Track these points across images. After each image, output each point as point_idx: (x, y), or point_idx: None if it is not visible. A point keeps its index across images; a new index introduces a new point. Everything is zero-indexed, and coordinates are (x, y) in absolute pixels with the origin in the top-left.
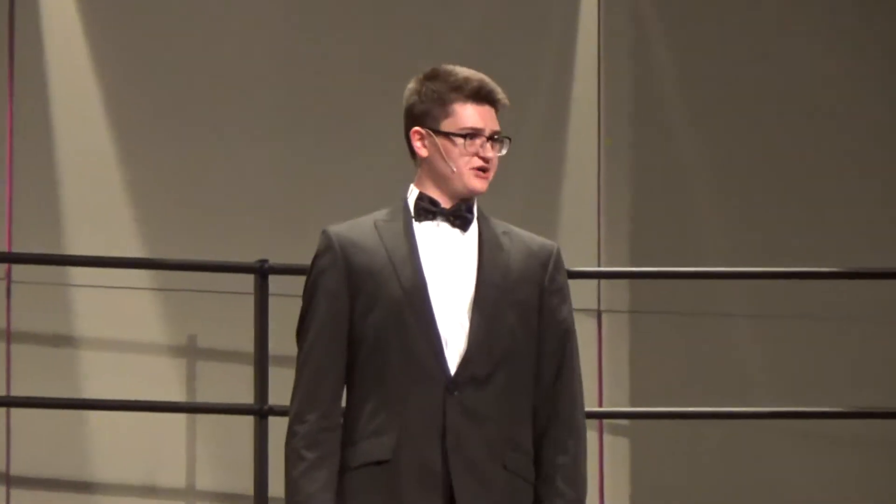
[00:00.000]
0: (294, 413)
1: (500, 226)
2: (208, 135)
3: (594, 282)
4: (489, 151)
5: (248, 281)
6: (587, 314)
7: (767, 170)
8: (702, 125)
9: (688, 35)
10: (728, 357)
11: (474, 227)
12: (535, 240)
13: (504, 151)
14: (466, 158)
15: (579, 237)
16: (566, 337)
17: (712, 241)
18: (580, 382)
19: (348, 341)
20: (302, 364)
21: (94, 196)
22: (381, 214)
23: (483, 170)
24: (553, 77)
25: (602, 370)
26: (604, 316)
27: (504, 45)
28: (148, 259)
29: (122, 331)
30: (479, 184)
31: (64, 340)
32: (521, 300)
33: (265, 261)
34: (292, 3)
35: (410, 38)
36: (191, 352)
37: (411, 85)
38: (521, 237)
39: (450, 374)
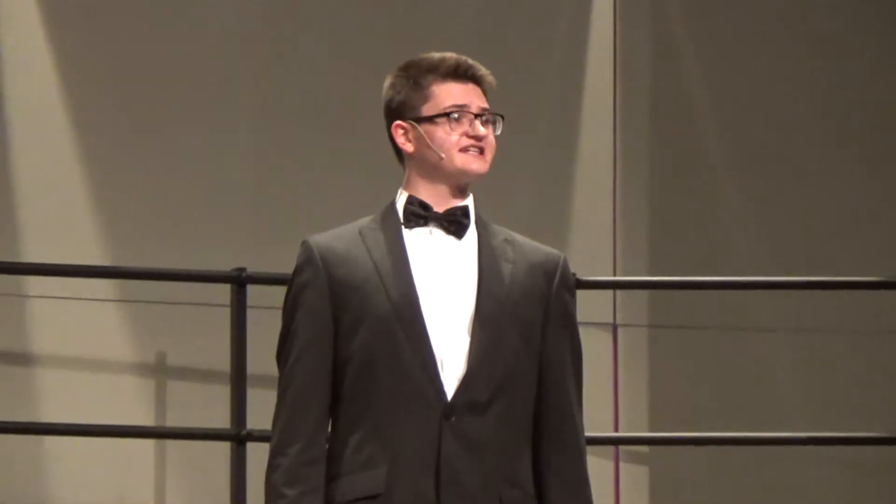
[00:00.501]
0: (274, 445)
1: (501, 233)
2: (178, 133)
3: (609, 293)
4: (479, 129)
5: (224, 291)
6: (602, 328)
7: (798, 171)
8: (726, 122)
9: (712, 33)
10: (757, 376)
11: (472, 233)
12: (541, 249)
13: (498, 131)
14: (454, 138)
15: (593, 244)
16: (572, 360)
17: (738, 248)
18: (581, 407)
19: (333, 363)
20: (283, 391)
21: (54, 199)
22: (366, 222)
23: (476, 149)
24: (565, 74)
25: (618, 391)
26: (620, 330)
27: (512, 43)
28: (113, 267)
29: (84, 347)
30: (474, 163)
31: (20, 357)
32: (524, 317)
33: (242, 269)
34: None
35: (403, 39)
36: (161, 370)
37: (386, 81)
38: (525, 246)
39: (446, 399)
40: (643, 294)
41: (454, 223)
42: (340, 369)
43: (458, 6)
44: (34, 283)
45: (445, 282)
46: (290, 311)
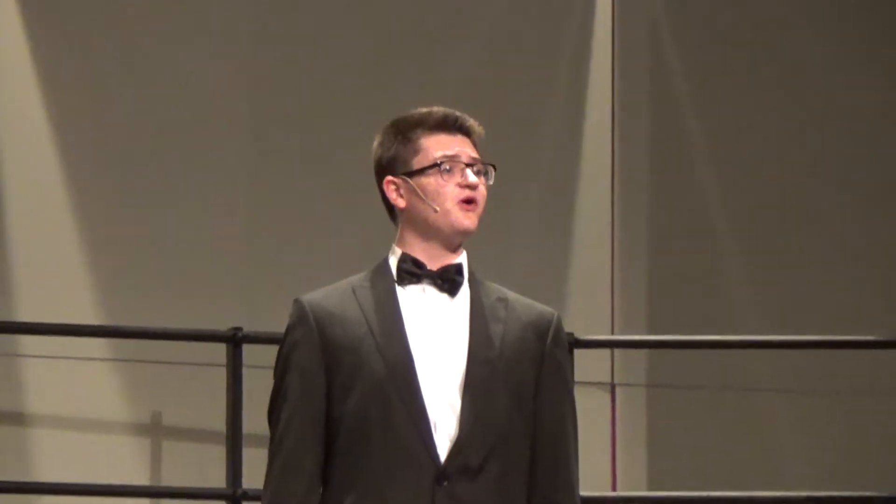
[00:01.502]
0: None
1: (495, 291)
2: (173, 191)
3: (607, 352)
4: (471, 178)
5: (220, 351)
6: (599, 388)
7: (799, 230)
8: (726, 180)
9: (712, 88)
10: (756, 436)
11: (465, 291)
12: (534, 308)
13: (490, 181)
14: (448, 190)
15: (590, 302)
16: (565, 420)
17: (738, 307)
18: (577, 468)
19: (325, 422)
20: (274, 452)
21: (48, 258)
22: (358, 279)
23: (469, 201)
24: (562, 130)
25: (616, 450)
26: (618, 389)
27: (509, 97)
28: (108, 327)
29: (79, 406)
30: (466, 220)
31: (14, 417)
32: (516, 379)
33: (238, 329)
34: (268, 35)
35: (408, 79)
36: (156, 430)
37: (375, 140)
38: (518, 304)
39: (440, 463)
40: (641, 353)
41: (447, 281)
42: (332, 428)
43: (457, 56)
44: (28, 343)
45: (438, 343)
46: (281, 370)
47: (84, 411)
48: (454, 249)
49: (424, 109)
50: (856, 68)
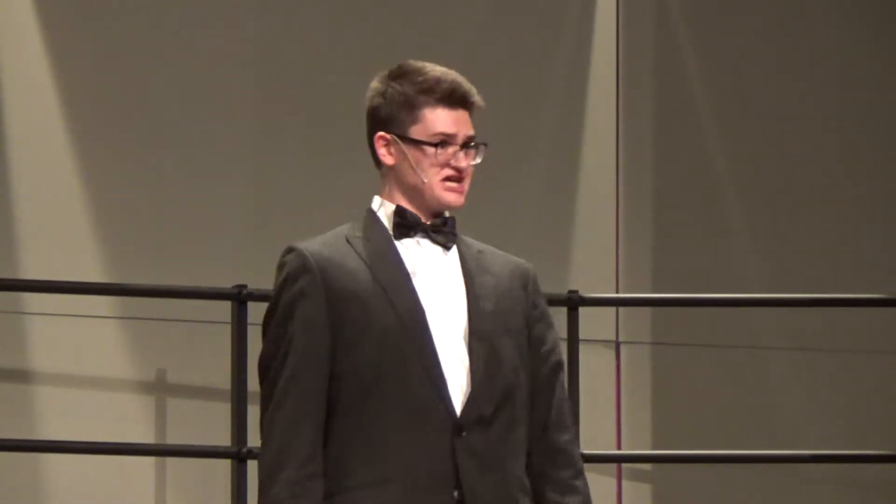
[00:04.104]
0: (268, 469)
1: (472, 244)
2: (178, 150)
3: (612, 310)
4: (462, 161)
5: (225, 309)
6: (605, 346)
7: (804, 187)
8: (730, 138)
9: (717, 50)
10: (761, 393)
11: (453, 246)
12: (510, 259)
13: (479, 160)
14: (437, 168)
15: (595, 260)
16: (558, 367)
17: (742, 265)
18: (572, 414)
19: (329, 376)
20: (274, 408)
21: (53, 216)
22: (348, 229)
23: (457, 180)
24: (567, 90)
25: (621, 408)
26: (623, 348)
27: (514, 57)
28: (113, 284)
29: (83, 364)
30: (453, 197)
31: (18, 375)
32: (513, 329)
33: (243, 286)
34: (270, 4)
35: (407, 42)
36: (160, 388)
37: (374, 84)
38: (498, 257)
39: (456, 416)
40: (646, 311)
41: (443, 234)
42: (337, 382)
43: (462, 19)
44: (33, 301)
45: (441, 295)
46: (281, 321)
47: (89, 369)
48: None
49: (432, 75)
50: (862, 35)
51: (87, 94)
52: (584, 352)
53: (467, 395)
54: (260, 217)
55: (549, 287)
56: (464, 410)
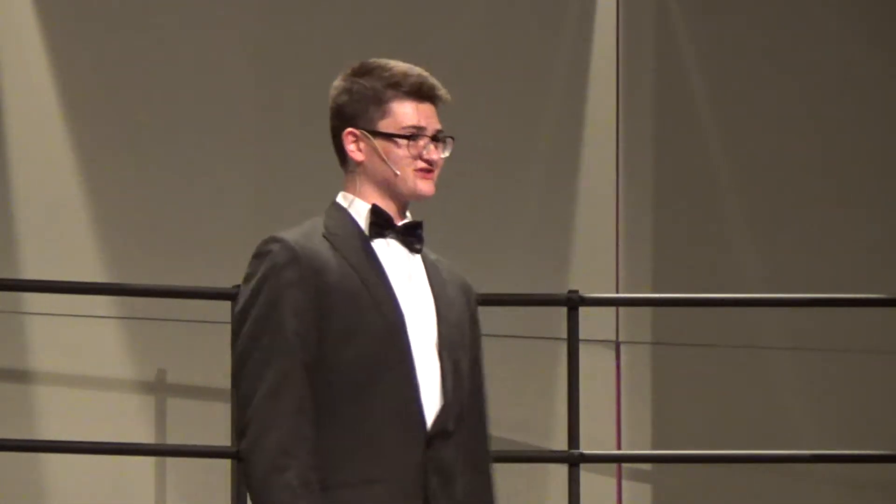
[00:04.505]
0: (272, 460)
1: (428, 252)
2: (178, 150)
3: (612, 310)
4: (433, 153)
5: (224, 308)
6: (604, 346)
7: (804, 187)
8: (731, 138)
9: (718, 50)
10: (761, 393)
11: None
12: (456, 272)
13: (447, 153)
14: (409, 160)
15: (595, 260)
16: (485, 397)
17: (742, 265)
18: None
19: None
20: (270, 395)
21: (53, 216)
22: (322, 224)
23: (427, 171)
24: (568, 89)
25: (621, 408)
26: (623, 348)
27: (515, 56)
28: (112, 284)
29: (83, 364)
30: (426, 186)
31: (18, 375)
32: (467, 343)
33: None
34: (270, 4)
35: (407, 42)
36: (160, 387)
37: (337, 83)
38: (447, 267)
39: (426, 427)
40: (646, 311)
41: (412, 237)
42: (321, 379)
43: (462, 20)
44: (33, 300)
45: (415, 303)
46: (267, 310)
47: (89, 369)
48: (407, 208)
49: (398, 70)
50: (864, 31)
51: (87, 94)
52: (584, 352)
53: (438, 407)
54: (260, 217)
55: (549, 287)
56: (434, 422)
